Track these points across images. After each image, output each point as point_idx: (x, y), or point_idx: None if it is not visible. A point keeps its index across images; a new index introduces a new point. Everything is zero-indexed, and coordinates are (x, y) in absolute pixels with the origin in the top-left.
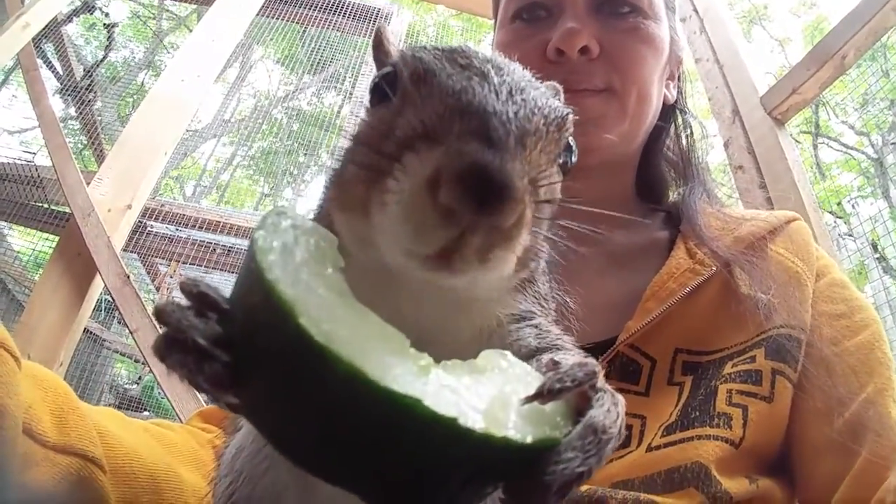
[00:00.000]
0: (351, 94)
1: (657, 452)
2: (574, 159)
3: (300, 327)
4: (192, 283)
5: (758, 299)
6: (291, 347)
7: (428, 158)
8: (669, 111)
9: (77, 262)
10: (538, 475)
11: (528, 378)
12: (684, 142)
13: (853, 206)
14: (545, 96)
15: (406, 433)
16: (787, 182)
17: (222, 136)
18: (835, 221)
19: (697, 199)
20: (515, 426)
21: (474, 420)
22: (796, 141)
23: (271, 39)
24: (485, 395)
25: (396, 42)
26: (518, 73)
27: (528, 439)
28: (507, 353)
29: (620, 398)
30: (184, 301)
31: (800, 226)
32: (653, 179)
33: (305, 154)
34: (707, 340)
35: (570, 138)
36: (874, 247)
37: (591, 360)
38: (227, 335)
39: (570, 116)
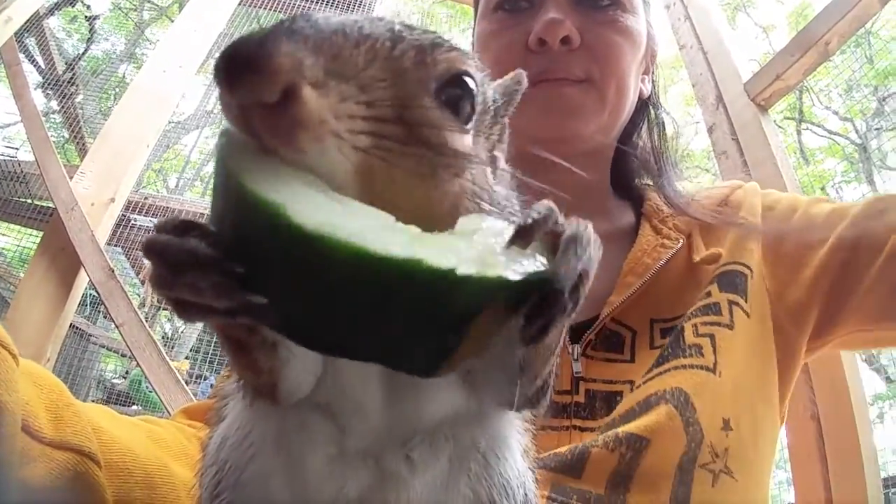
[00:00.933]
0: None
1: (637, 390)
2: (472, 107)
3: (291, 223)
4: (171, 218)
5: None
6: (289, 246)
7: None
8: (643, 106)
9: (61, 257)
10: (547, 287)
11: (507, 232)
12: (656, 137)
13: (837, 191)
14: (411, 29)
15: (415, 291)
16: (770, 168)
17: (205, 127)
18: None
19: (666, 192)
20: (507, 266)
21: (468, 267)
22: (780, 127)
23: (254, 29)
24: (473, 249)
25: None
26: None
27: (518, 277)
28: (483, 214)
29: (586, 221)
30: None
31: (744, 189)
32: (625, 171)
33: None
34: (676, 307)
35: (471, 81)
36: None
37: (545, 200)
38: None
39: (455, 53)
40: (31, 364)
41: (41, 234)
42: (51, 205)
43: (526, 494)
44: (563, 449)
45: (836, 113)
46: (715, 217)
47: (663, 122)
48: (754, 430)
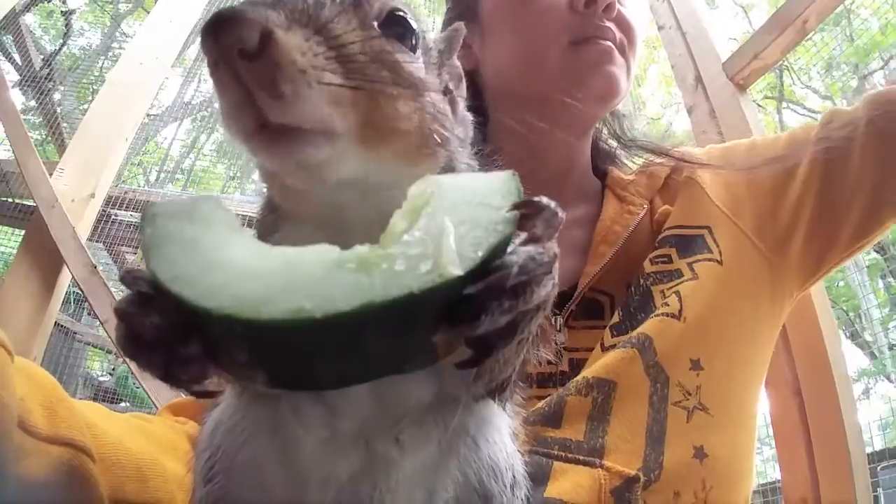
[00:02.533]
0: None
1: (612, 350)
2: (416, 41)
3: (201, 309)
4: (131, 280)
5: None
6: (235, 334)
7: None
8: None
9: (44, 255)
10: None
11: (460, 191)
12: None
13: None
14: None
15: (382, 327)
16: None
17: (184, 119)
18: None
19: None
20: (455, 258)
21: (424, 279)
22: (760, 106)
23: None
24: (425, 244)
25: None
26: None
27: (480, 255)
28: (433, 177)
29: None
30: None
31: (688, 152)
32: (599, 150)
33: None
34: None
35: (407, 17)
36: None
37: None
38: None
39: None
40: (23, 361)
41: (23, 232)
42: (32, 203)
43: (514, 476)
44: (541, 404)
45: (816, 92)
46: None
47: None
48: (729, 368)
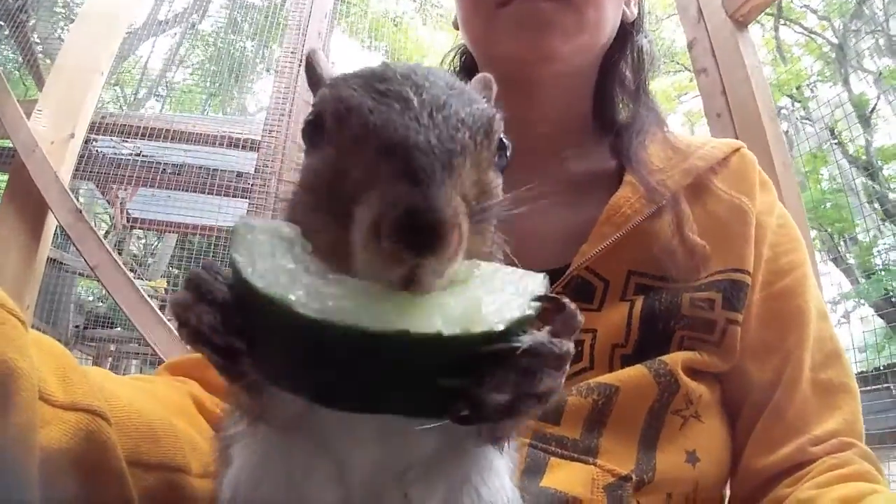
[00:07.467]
0: None
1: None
2: (509, 155)
3: (294, 313)
4: (196, 281)
5: (694, 243)
6: (292, 328)
7: (367, 209)
8: (627, 33)
9: (29, 202)
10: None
11: (498, 277)
12: (634, 64)
13: (812, 90)
14: (469, 103)
15: (411, 358)
16: (745, 91)
17: (159, 35)
18: (793, 105)
19: (644, 130)
20: (491, 321)
21: (452, 328)
22: (758, 23)
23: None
24: (460, 306)
25: (328, 65)
26: (439, 82)
27: (501, 326)
28: (477, 262)
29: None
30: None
31: (743, 155)
32: (607, 101)
33: (255, 45)
34: (660, 266)
35: (503, 136)
36: (831, 132)
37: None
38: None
39: (498, 116)
40: (33, 332)
41: (6, 177)
42: (9, 144)
43: None
44: None
45: (814, 11)
46: (676, 198)
47: (641, 48)
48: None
